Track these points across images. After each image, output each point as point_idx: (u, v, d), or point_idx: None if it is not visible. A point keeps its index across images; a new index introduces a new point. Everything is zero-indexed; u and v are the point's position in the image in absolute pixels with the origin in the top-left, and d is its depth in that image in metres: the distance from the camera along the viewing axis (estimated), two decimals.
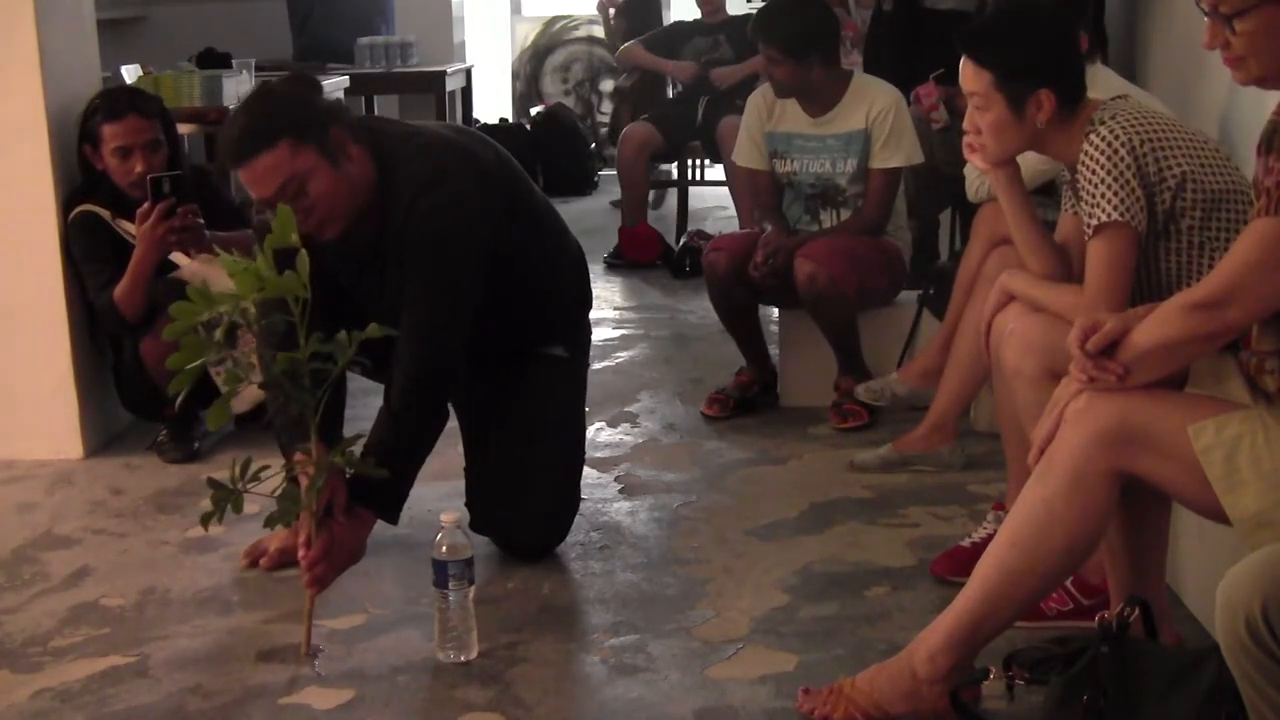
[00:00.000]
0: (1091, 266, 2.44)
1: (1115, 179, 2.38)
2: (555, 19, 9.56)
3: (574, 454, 3.21)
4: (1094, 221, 2.41)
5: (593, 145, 8.76)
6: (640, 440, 3.94)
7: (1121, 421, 2.13)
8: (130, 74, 4.98)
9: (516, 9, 10.50)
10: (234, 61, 5.58)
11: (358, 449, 2.70)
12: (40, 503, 3.55)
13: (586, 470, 3.37)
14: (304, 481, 2.63)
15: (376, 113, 6.89)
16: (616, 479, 3.62)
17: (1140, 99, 2.82)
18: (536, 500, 3.07)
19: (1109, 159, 2.38)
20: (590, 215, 7.50)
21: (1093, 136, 2.42)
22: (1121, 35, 3.88)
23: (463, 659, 2.62)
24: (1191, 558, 2.73)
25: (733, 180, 5.85)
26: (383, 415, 2.81)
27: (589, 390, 3.40)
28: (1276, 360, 2.07)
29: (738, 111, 4.75)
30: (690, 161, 6.75)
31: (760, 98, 4.25)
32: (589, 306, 3.32)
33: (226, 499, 2.55)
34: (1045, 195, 3.32)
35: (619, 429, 4.03)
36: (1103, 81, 3.06)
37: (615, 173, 6.67)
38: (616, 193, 6.70)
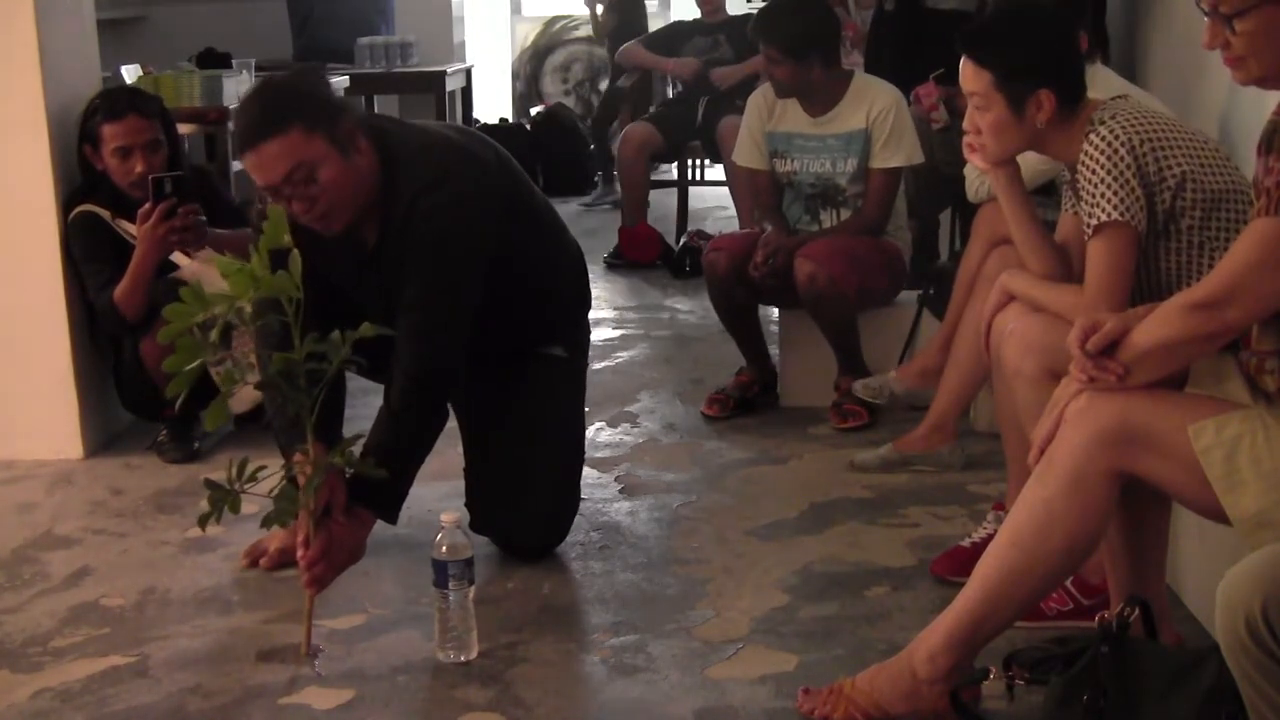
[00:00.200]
0: (1091, 266, 2.44)
1: (1115, 179, 2.38)
2: (555, 19, 9.57)
3: (574, 454, 3.21)
4: (1094, 221, 2.41)
5: (593, 145, 8.76)
6: (640, 440, 3.94)
7: (1122, 421, 2.13)
8: (130, 74, 4.98)
9: (516, 9, 10.51)
10: (234, 61, 5.58)
11: (357, 449, 2.70)
12: (40, 503, 3.55)
13: (586, 470, 3.37)
14: (303, 482, 2.63)
15: (377, 113, 6.89)
16: (616, 479, 3.62)
17: (1140, 99, 2.82)
18: (536, 500, 3.07)
19: (1109, 159, 2.38)
20: (590, 215, 7.50)
21: (1092, 136, 2.42)
22: (1121, 35, 3.88)
23: (463, 659, 2.62)
24: (1191, 558, 2.73)
25: (733, 180, 5.85)
26: (382, 415, 2.81)
27: (589, 390, 3.40)
28: (1276, 360, 2.07)
29: (738, 111, 4.75)
30: (690, 161, 6.75)
31: (761, 97, 4.25)
32: (588, 306, 3.32)
33: (224, 499, 2.55)
34: (1045, 195, 3.32)
35: (619, 429, 4.03)
36: (1103, 81, 3.06)
37: (616, 173, 6.68)
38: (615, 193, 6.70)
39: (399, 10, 7.33)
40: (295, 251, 2.46)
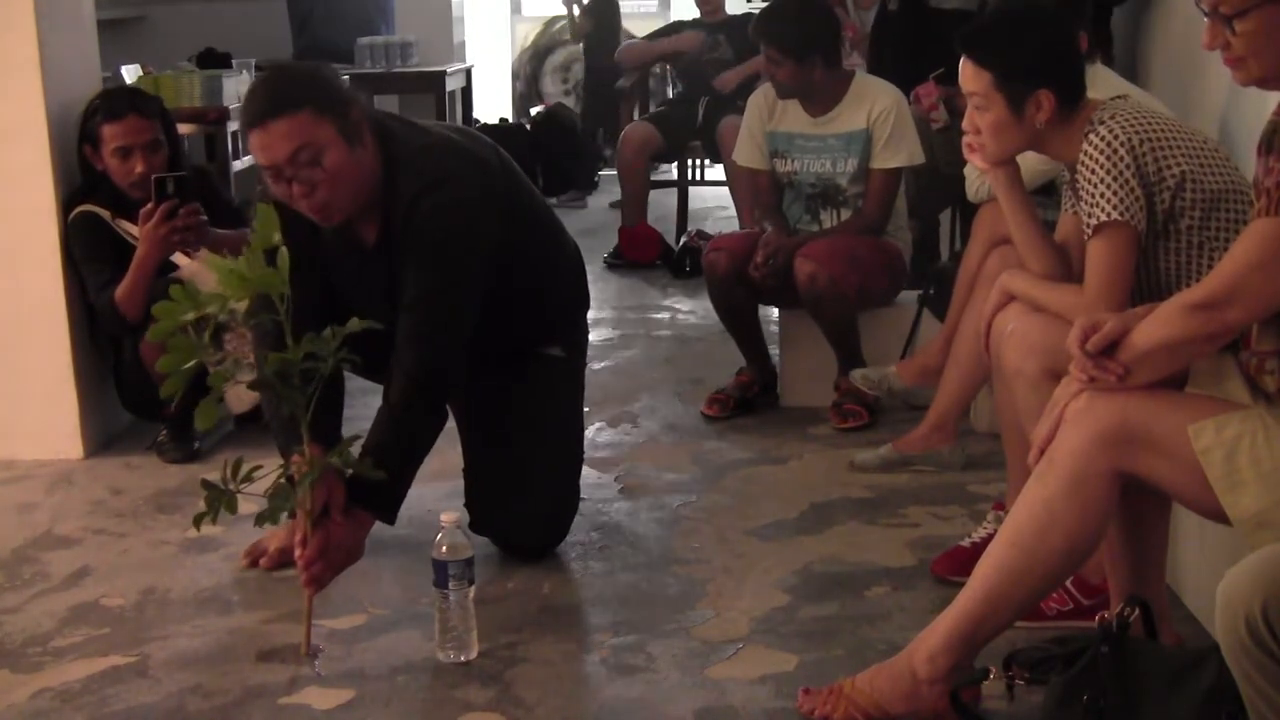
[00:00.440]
0: (1091, 266, 2.44)
1: (1115, 179, 2.38)
2: (555, 19, 9.57)
3: (573, 454, 3.21)
4: (1094, 221, 2.41)
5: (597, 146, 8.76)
6: (640, 440, 3.94)
7: (1122, 422, 2.13)
8: (130, 74, 4.98)
9: (516, 9, 10.52)
10: (234, 61, 5.59)
11: (355, 449, 2.70)
12: (40, 503, 3.55)
13: (586, 470, 3.37)
14: (306, 483, 2.63)
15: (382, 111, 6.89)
16: (616, 479, 3.62)
17: (1140, 99, 2.82)
18: (535, 500, 3.07)
19: (1108, 159, 2.38)
20: (590, 215, 7.50)
21: (1092, 136, 2.42)
22: (1122, 35, 3.88)
23: (463, 659, 2.62)
24: (1191, 558, 2.73)
25: (733, 180, 5.85)
26: (382, 415, 2.81)
27: (589, 390, 3.40)
28: (1276, 360, 2.07)
29: (738, 111, 4.76)
30: (690, 161, 6.76)
31: (761, 97, 4.25)
32: (586, 307, 3.32)
33: (219, 500, 2.54)
34: (1045, 195, 3.32)
35: (619, 429, 4.03)
36: (1103, 81, 3.06)
37: (615, 173, 6.68)
38: (616, 193, 6.70)
39: (399, 10, 7.33)
40: (284, 249, 2.46)
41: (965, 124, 2.62)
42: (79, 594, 2.98)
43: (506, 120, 8.81)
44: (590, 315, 3.38)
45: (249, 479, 2.54)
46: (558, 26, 9.49)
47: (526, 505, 3.06)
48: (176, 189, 3.63)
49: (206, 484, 2.56)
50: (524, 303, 3.06)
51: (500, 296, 2.92)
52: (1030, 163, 2.85)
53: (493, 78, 9.42)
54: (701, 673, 2.58)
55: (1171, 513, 2.44)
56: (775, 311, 4.53)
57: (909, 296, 4.14)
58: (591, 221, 7.14)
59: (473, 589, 2.62)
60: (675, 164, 6.75)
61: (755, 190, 4.35)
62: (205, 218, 3.66)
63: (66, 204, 3.77)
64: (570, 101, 9.03)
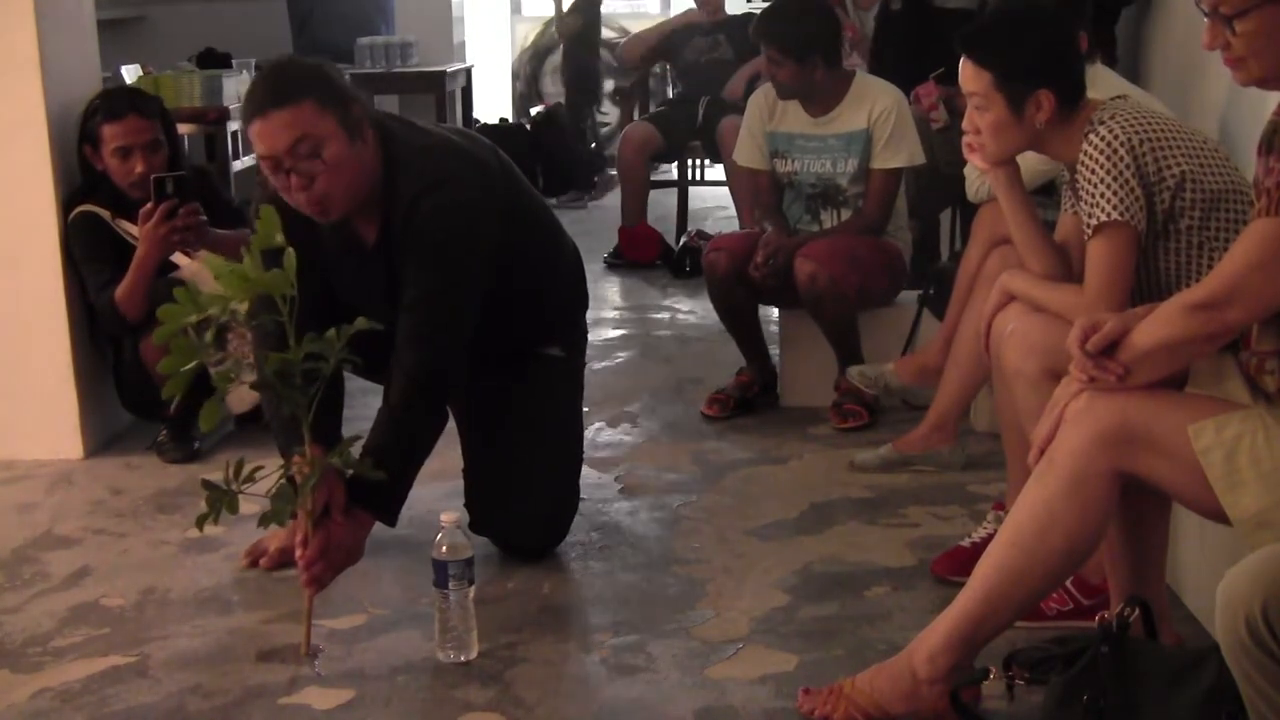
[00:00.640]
0: (1091, 266, 2.44)
1: (1115, 179, 2.38)
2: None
3: (572, 454, 3.21)
4: (1094, 221, 2.41)
5: (593, 145, 8.76)
6: (640, 440, 3.94)
7: (1122, 422, 2.13)
8: (130, 74, 4.98)
9: (516, 9, 10.51)
10: (234, 61, 5.59)
11: (356, 449, 2.70)
12: (40, 503, 3.55)
13: (586, 470, 3.37)
14: (300, 482, 2.63)
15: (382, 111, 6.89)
16: (616, 479, 3.62)
17: (1140, 99, 2.83)
18: (535, 501, 3.07)
19: (1108, 159, 2.38)
20: (590, 215, 7.50)
21: (1092, 136, 2.42)
22: (1122, 36, 3.88)
23: (463, 659, 2.62)
24: (1191, 558, 2.73)
25: (733, 180, 5.85)
26: (382, 416, 2.80)
27: (589, 390, 3.40)
28: (1276, 360, 2.07)
29: (738, 111, 4.75)
30: (690, 161, 6.75)
31: (761, 97, 4.25)
32: (585, 307, 3.32)
33: (221, 500, 2.54)
34: (1045, 195, 3.32)
35: (619, 429, 4.03)
36: (1103, 81, 3.06)
37: (615, 173, 6.68)
38: (617, 193, 6.70)
39: (399, 10, 7.33)
40: (290, 249, 2.46)
41: (965, 124, 2.62)
42: (79, 594, 2.98)
43: (506, 120, 8.81)
44: (590, 315, 3.38)
45: (250, 480, 2.54)
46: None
47: (526, 505, 3.06)
48: (176, 189, 3.63)
49: (208, 484, 2.56)
50: (524, 303, 3.06)
51: (500, 297, 2.92)
52: (1030, 163, 2.85)
53: (493, 78, 9.42)
54: (701, 673, 2.58)
55: (1171, 513, 2.44)
56: (775, 311, 4.53)
57: (909, 296, 4.14)
58: (591, 222, 7.13)
59: (473, 589, 2.62)
60: (675, 164, 6.75)
61: (755, 190, 4.35)
62: (205, 218, 3.66)
63: (66, 204, 3.77)
64: None
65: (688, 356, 4.81)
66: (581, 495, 3.27)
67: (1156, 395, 2.15)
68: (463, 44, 7.89)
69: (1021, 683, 2.22)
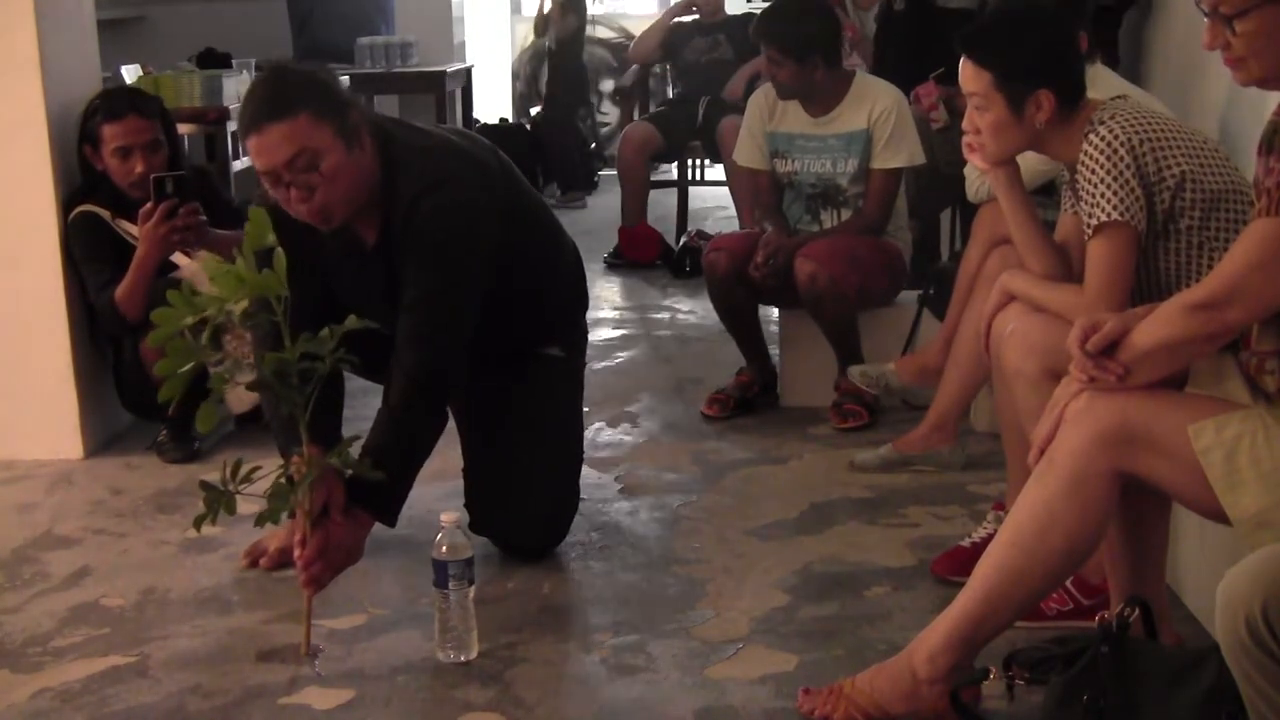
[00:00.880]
0: (1091, 266, 2.44)
1: (1115, 179, 2.38)
2: None
3: (572, 454, 3.21)
4: (1094, 221, 2.41)
5: (593, 145, 8.76)
6: (640, 440, 3.94)
7: (1122, 422, 2.13)
8: (130, 74, 4.98)
9: (516, 9, 10.51)
10: (234, 61, 5.58)
11: (355, 449, 2.70)
12: (40, 503, 3.55)
13: (586, 470, 3.37)
14: (304, 484, 2.62)
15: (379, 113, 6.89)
16: (616, 479, 3.62)
17: (1140, 99, 2.82)
18: (535, 501, 3.07)
19: (1108, 159, 2.38)
20: (590, 215, 7.51)
21: (1092, 136, 2.42)
22: (1122, 36, 3.88)
23: (463, 659, 2.62)
24: (1191, 558, 2.73)
25: (733, 180, 5.84)
26: (381, 417, 2.80)
27: (589, 390, 3.40)
28: (1276, 360, 2.07)
29: (738, 111, 4.75)
30: (690, 161, 6.75)
31: (761, 97, 4.25)
32: (586, 307, 3.32)
33: (218, 500, 2.54)
34: (1045, 195, 3.32)
35: (619, 429, 4.03)
36: (1103, 81, 3.06)
37: (615, 173, 6.68)
38: (617, 193, 6.70)
39: (399, 10, 7.33)
40: (279, 249, 2.46)
41: (965, 124, 2.62)
42: (79, 594, 2.98)
43: (506, 120, 8.81)
44: (590, 315, 3.38)
45: (248, 480, 2.54)
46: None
47: (526, 505, 3.06)
48: (176, 189, 3.63)
49: (205, 485, 2.56)
50: (524, 303, 3.06)
51: (500, 297, 2.92)
52: (1030, 163, 2.85)
53: (493, 78, 9.42)
54: (701, 673, 2.58)
55: (1171, 513, 2.44)
56: (775, 311, 4.53)
57: (909, 296, 4.14)
58: (591, 222, 7.13)
59: (473, 589, 2.62)
60: (675, 164, 6.75)
61: (755, 190, 4.35)
62: (204, 218, 3.66)
63: (66, 204, 3.77)
64: None
65: (688, 356, 4.81)
66: (581, 495, 3.27)
67: (1156, 395, 2.15)
68: (463, 44, 7.89)
69: (1021, 683, 2.22)
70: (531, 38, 9.39)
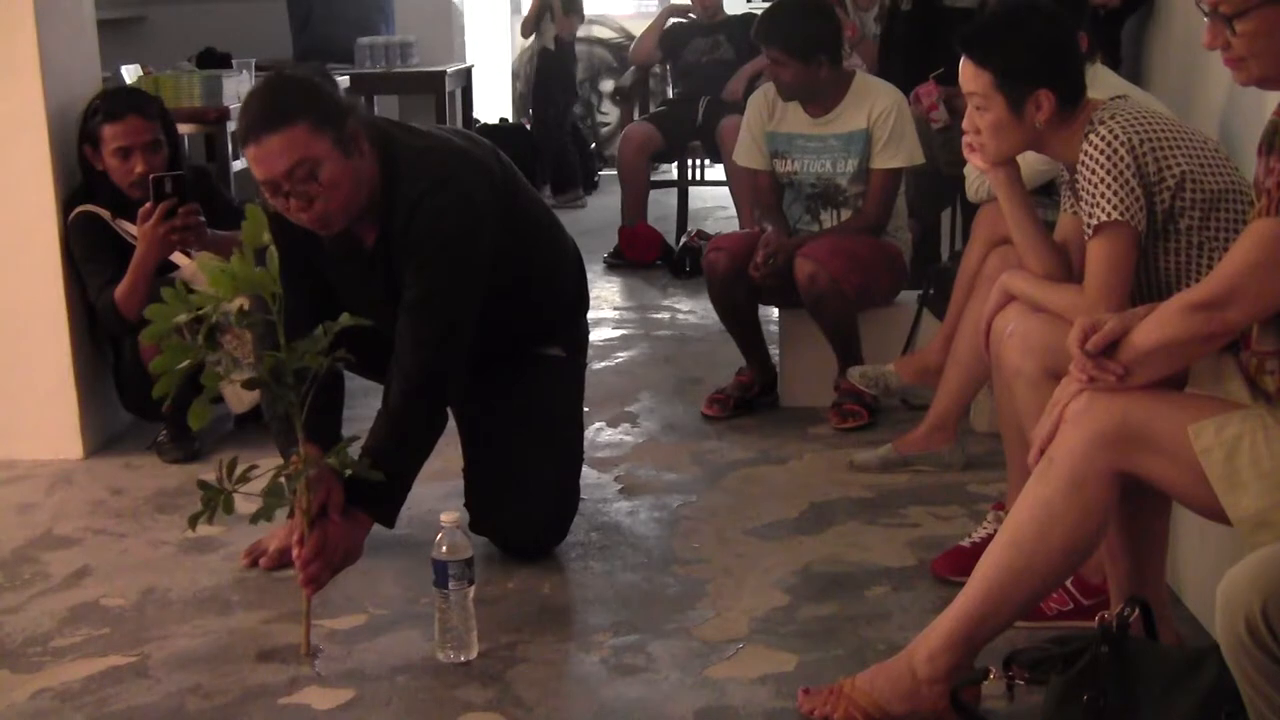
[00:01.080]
0: (1091, 266, 2.44)
1: (1115, 179, 2.38)
2: None
3: (573, 454, 3.21)
4: (1094, 221, 2.41)
5: (593, 145, 8.76)
6: (640, 440, 3.94)
7: (1122, 422, 2.13)
8: (130, 74, 4.98)
9: (516, 9, 10.50)
10: (234, 61, 5.58)
11: (355, 450, 2.70)
12: (40, 503, 3.55)
13: (586, 470, 3.37)
14: (298, 482, 2.62)
15: (377, 113, 6.89)
16: (616, 479, 3.62)
17: (1140, 99, 2.83)
18: (535, 501, 3.07)
19: (1108, 159, 2.38)
20: (590, 215, 7.51)
21: (1092, 136, 2.42)
22: (1123, 36, 3.88)
23: (463, 659, 2.62)
24: (1191, 558, 2.73)
25: (733, 180, 5.85)
26: (381, 418, 2.81)
27: (589, 390, 3.40)
28: (1276, 360, 2.08)
29: (738, 111, 4.75)
30: (690, 161, 6.76)
31: (761, 97, 4.25)
32: (586, 307, 3.33)
33: (215, 499, 2.54)
34: (1045, 195, 3.32)
35: (619, 429, 4.03)
36: (1103, 81, 3.06)
37: (615, 173, 6.69)
38: (617, 193, 6.70)
39: (399, 10, 7.33)
40: (273, 249, 2.46)
41: (965, 124, 2.62)
42: (79, 594, 2.98)
43: (506, 120, 8.81)
44: (590, 315, 3.38)
45: (245, 479, 2.54)
46: None
47: (526, 505, 3.06)
48: (175, 189, 3.63)
49: (203, 484, 2.56)
50: (524, 303, 3.07)
51: (501, 297, 2.92)
52: (1030, 163, 2.85)
53: (493, 78, 9.42)
54: (701, 673, 2.58)
55: (1171, 513, 2.44)
56: (775, 311, 4.53)
57: (909, 296, 4.15)
58: (591, 222, 7.13)
59: (473, 589, 2.62)
60: (675, 164, 6.75)
61: (755, 190, 4.35)
62: (203, 218, 3.66)
63: (66, 204, 3.77)
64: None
65: (688, 356, 4.81)
66: (581, 495, 3.27)
67: (1156, 395, 2.15)
68: (463, 44, 7.90)
69: (1021, 683, 2.22)
70: (532, 38, 9.40)
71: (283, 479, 2.61)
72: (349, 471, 2.66)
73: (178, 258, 3.69)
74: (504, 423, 3.11)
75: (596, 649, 2.70)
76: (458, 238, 2.79)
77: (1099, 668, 2.09)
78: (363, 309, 2.63)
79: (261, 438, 3.41)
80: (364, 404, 3.43)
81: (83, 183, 3.79)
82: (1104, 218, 2.39)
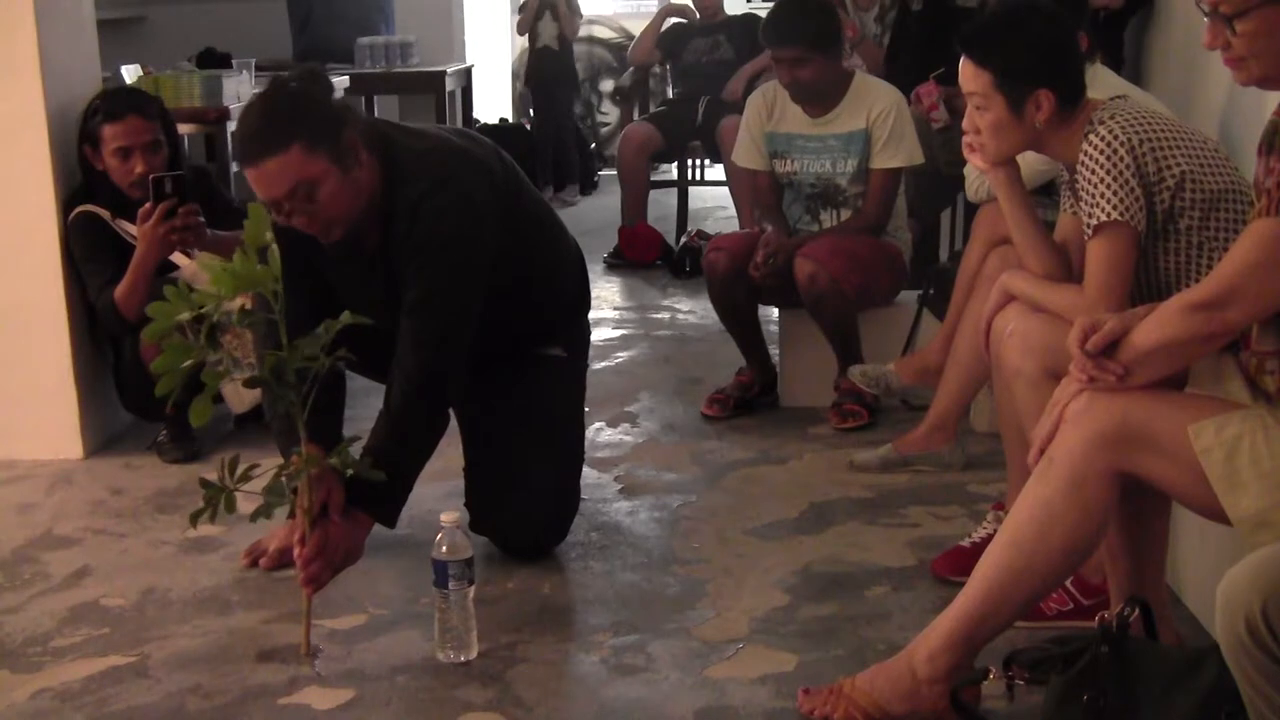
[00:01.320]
0: (1091, 266, 2.44)
1: (1115, 179, 2.38)
2: None
3: (573, 454, 3.21)
4: (1094, 221, 2.41)
5: (593, 145, 8.76)
6: (640, 440, 3.94)
7: (1121, 422, 2.13)
8: (130, 74, 4.98)
9: (516, 9, 10.50)
10: (234, 61, 5.58)
11: (356, 450, 2.70)
12: (40, 503, 3.55)
13: (586, 470, 3.37)
14: (299, 482, 2.62)
15: (377, 113, 6.90)
16: (616, 479, 3.62)
17: (1140, 99, 2.83)
18: (535, 501, 3.07)
19: (1108, 159, 2.38)
20: (590, 215, 7.51)
21: (1092, 136, 2.42)
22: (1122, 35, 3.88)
23: (463, 659, 2.62)
24: (1191, 558, 2.73)
25: (733, 180, 5.85)
26: (382, 418, 2.81)
27: (589, 390, 3.40)
28: (1276, 360, 2.08)
29: (738, 111, 4.75)
30: (690, 161, 6.76)
31: (760, 98, 4.25)
32: (588, 307, 3.32)
33: (217, 497, 2.54)
34: (1045, 195, 3.32)
35: (619, 429, 4.03)
36: (1102, 81, 3.06)
37: (615, 173, 6.69)
38: (616, 193, 6.70)
39: (399, 10, 7.33)
40: (274, 246, 2.46)
41: (965, 124, 2.62)
42: (79, 594, 2.98)
43: (506, 120, 8.81)
44: (590, 315, 3.38)
45: (246, 478, 2.54)
46: None
47: (526, 506, 3.06)
48: (175, 189, 3.63)
49: (205, 482, 2.56)
50: (525, 303, 3.07)
51: (502, 297, 2.92)
52: (1030, 163, 2.85)
53: (493, 78, 9.42)
54: (701, 673, 2.58)
55: (1171, 513, 2.44)
56: (775, 311, 4.53)
57: (909, 296, 4.15)
58: (591, 222, 7.13)
59: (473, 589, 2.62)
60: (675, 164, 6.75)
61: (755, 190, 4.35)
62: (203, 218, 3.66)
63: (66, 204, 3.77)
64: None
65: (688, 356, 4.81)
66: (581, 495, 3.27)
67: (1156, 395, 2.15)
68: (463, 44, 7.90)
69: (1021, 683, 2.22)
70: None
71: (284, 478, 2.61)
72: (350, 471, 2.67)
73: (178, 258, 3.69)
74: (504, 423, 3.11)
75: (596, 649, 2.70)
76: (458, 238, 2.79)
77: (1099, 668, 2.09)
78: (363, 309, 2.63)
79: (262, 438, 3.41)
80: (365, 404, 3.43)
81: (83, 183, 3.79)
82: (1104, 218, 2.39)
